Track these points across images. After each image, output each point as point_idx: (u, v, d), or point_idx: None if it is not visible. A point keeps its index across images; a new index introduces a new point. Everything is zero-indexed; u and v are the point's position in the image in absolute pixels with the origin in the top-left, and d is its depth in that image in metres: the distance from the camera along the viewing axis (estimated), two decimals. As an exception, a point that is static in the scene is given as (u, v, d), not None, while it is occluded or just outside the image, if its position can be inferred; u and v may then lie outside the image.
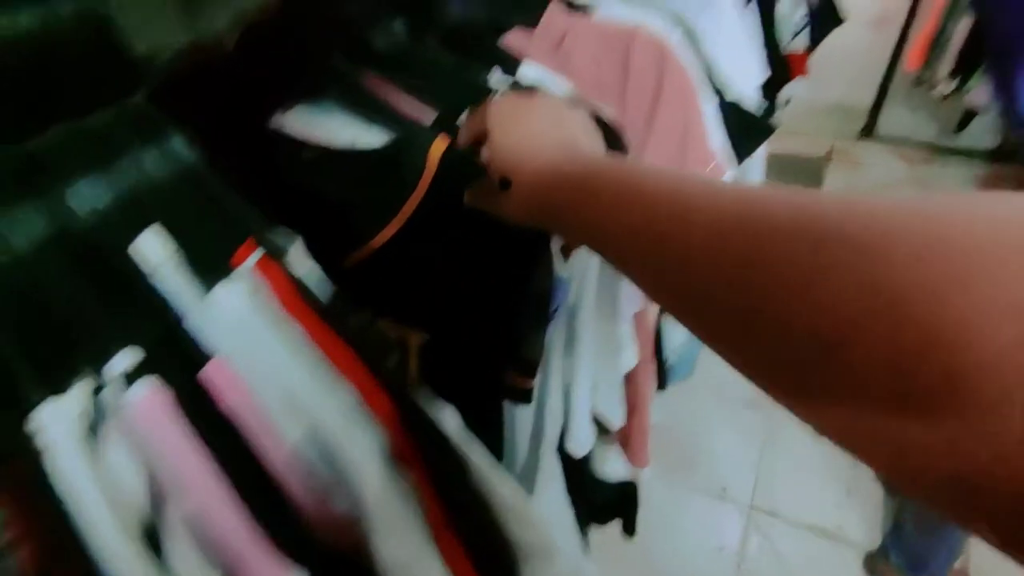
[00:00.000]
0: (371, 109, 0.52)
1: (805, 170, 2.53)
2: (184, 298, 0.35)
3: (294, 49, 0.53)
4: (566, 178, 0.34)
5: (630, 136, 0.58)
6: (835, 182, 2.50)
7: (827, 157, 2.64)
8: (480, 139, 0.41)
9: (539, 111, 0.39)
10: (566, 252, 0.47)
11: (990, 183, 2.43)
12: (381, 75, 0.52)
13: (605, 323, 0.57)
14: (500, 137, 0.39)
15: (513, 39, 0.62)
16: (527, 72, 0.61)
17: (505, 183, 0.38)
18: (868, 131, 2.72)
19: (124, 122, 0.41)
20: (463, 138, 0.44)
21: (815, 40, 1.40)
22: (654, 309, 0.74)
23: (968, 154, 2.54)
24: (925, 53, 2.24)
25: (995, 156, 2.45)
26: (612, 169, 0.32)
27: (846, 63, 2.31)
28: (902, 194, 0.18)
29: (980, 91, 2.20)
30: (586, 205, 0.32)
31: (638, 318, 0.69)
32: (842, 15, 1.53)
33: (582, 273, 0.52)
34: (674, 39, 0.68)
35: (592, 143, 0.39)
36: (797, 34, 1.29)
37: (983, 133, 2.34)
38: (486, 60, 0.61)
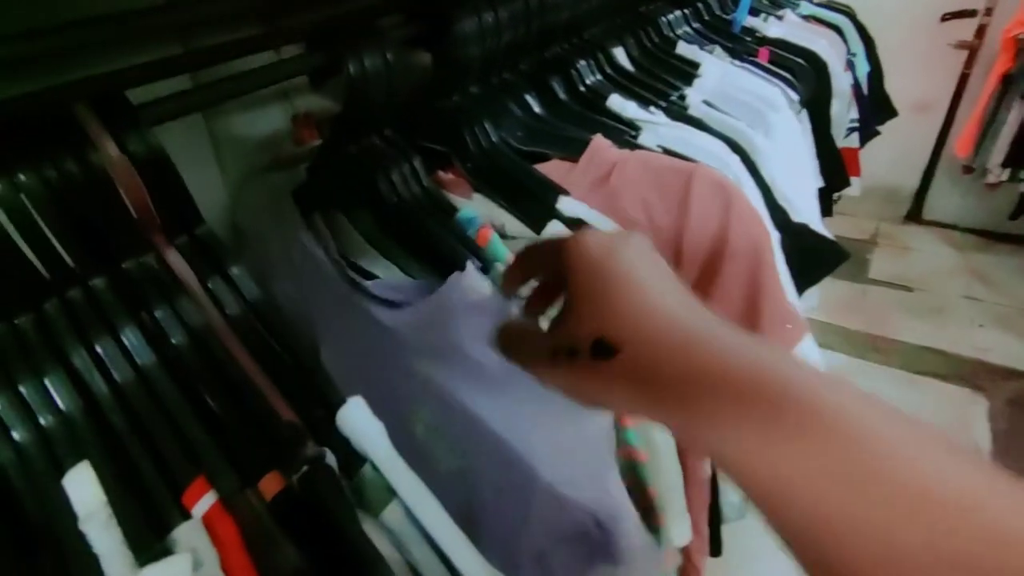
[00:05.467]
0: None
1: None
2: (113, 565, 0.26)
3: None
4: (739, 371, 0.22)
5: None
6: (882, 267, 2.37)
7: (872, 240, 2.52)
8: (548, 280, 0.31)
9: (647, 259, 0.28)
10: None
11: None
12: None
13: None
14: (596, 284, 0.27)
15: (552, 170, 0.55)
16: (566, 206, 0.53)
17: (604, 349, 0.26)
18: (914, 215, 2.61)
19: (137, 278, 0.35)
20: (514, 278, 0.33)
21: (866, 136, 1.33)
22: (705, 470, 0.64)
23: (1024, 242, 2.40)
24: (975, 141, 2.15)
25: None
26: (850, 409, 0.20)
27: (889, 146, 2.24)
28: None
29: (1037, 179, 2.09)
30: (788, 441, 0.20)
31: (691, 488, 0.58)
32: (895, 108, 1.47)
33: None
34: (733, 167, 0.61)
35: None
36: (850, 132, 1.22)
37: (1042, 221, 2.21)
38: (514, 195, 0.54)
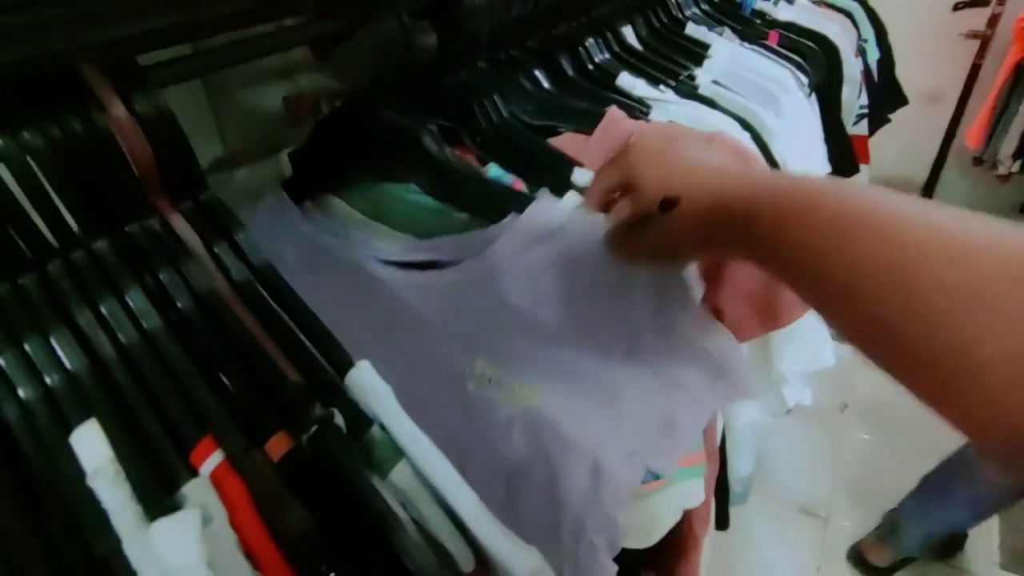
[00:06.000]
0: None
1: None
2: (122, 519, 0.26)
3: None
4: (760, 190, 0.33)
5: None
6: (888, 260, 2.35)
7: (879, 233, 2.50)
8: (620, 186, 0.41)
9: (687, 139, 0.42)
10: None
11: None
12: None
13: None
14: (653, 162, 0.38)
15: (565, 143, 0.54)
16: (581, 178, 0.53)
17: (668, 204, 0.36)
18: (923, 207, 2.59)
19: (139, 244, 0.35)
20: (601, 185, 0.42)
21: (876, 124, 1.31)
22: (715, 441, 0.63)
23: (1035, 235, 2.38)
24: (986, 132, 2.13)
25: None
26: (828, 187, 0.31)
27: (898, 137, 2.22)
28: None
29: (1048, 171, 2.07)
30: (789, 223, 0.30)
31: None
32: (906, 96, 1.45)
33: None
34: (745, 145, 0.60)
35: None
36: (859, 119, 1.21)
37: (1051, 214, 2.19)
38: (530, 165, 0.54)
